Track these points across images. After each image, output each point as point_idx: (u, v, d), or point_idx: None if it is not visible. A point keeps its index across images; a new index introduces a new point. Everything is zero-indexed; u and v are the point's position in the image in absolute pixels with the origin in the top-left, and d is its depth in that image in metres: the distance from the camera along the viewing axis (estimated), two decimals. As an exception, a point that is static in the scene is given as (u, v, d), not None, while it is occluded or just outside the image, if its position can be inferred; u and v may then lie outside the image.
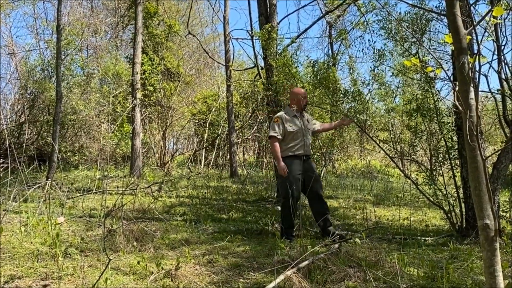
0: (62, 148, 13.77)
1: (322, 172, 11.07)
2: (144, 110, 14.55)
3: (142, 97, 13.03)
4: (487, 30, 5.88)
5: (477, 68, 4.98)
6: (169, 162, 14.55)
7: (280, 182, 5.90)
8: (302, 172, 5.67)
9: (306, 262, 4.00)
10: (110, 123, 15.41)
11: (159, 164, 14.58)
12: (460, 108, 2.27)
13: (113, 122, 15.33)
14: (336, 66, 15.01)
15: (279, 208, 7.93)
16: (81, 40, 17.27)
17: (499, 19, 5.18)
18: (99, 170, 11.11)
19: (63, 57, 13.31)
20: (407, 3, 6.75)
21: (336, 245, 4.84)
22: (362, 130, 10.88)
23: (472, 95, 2.25)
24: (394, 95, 12.98)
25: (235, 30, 52.30)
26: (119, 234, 4.86)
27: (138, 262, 4.05)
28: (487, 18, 2.35)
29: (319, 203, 5.77)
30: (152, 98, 14.94)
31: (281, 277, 3.62)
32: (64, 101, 13.24)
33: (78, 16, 18.93)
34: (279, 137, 5.69)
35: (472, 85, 2.27)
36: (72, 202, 7.33)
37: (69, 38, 15.03)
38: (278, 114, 5.91)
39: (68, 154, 14.34)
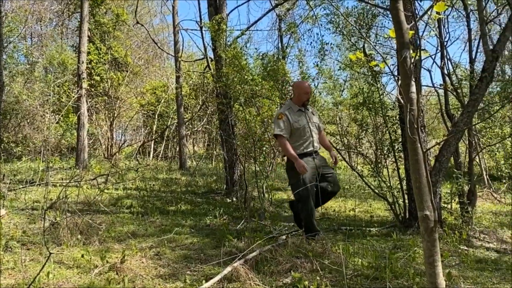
0: (4, 139, 13.33)
1: (271, 165, 11.15)
2: (90, 100, 14.23)
3: (88, 87, 12.75)
4: (429, 25, 6.05)
5: (419, 62, 5.14)
6: (117, 153, 14.32)
7: (294, 183, 5.04)
8: (315, 169, 5.05)
9: (254, 254, 4.03)
10: (54, 114, 14.98)
11: (106, 156, 14.32)
12: (402, 101, 2.33)
13: (58, 113, 14.91)
14: (286, 59, 15.05)
15: (228, 200, 7.95)
16: (24, 27, 16.73)
17: (443, 15, 5.35)
18: (43, 161, 10.78)
19: (5, 44, 12.83)
20: (355, -2, 6.87)
21: (283, 237, 4.88)
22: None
23: (413, 88, 2.31)
24: (342, 88, 13.20)
25: (185, 20, 51.34)
26: (62, 227, 4.75)
27: (82, 256, 3.98)
28: (429, 13, 2.41)
29: (324, 199, 5.28)
30: (98, 88, 14.64)
31: (228, 268, 3.63)
32: (7, 90, 12.77)
33: (22, 2, 18.26)
34: (286, 135, 5.02)
35: (413, 79, 2.33)
36: (14, 194, 7.11)
37: (12, 25, 14.53)
38: (281, 110, 5.23)
39: (11, 144, 13.89)
